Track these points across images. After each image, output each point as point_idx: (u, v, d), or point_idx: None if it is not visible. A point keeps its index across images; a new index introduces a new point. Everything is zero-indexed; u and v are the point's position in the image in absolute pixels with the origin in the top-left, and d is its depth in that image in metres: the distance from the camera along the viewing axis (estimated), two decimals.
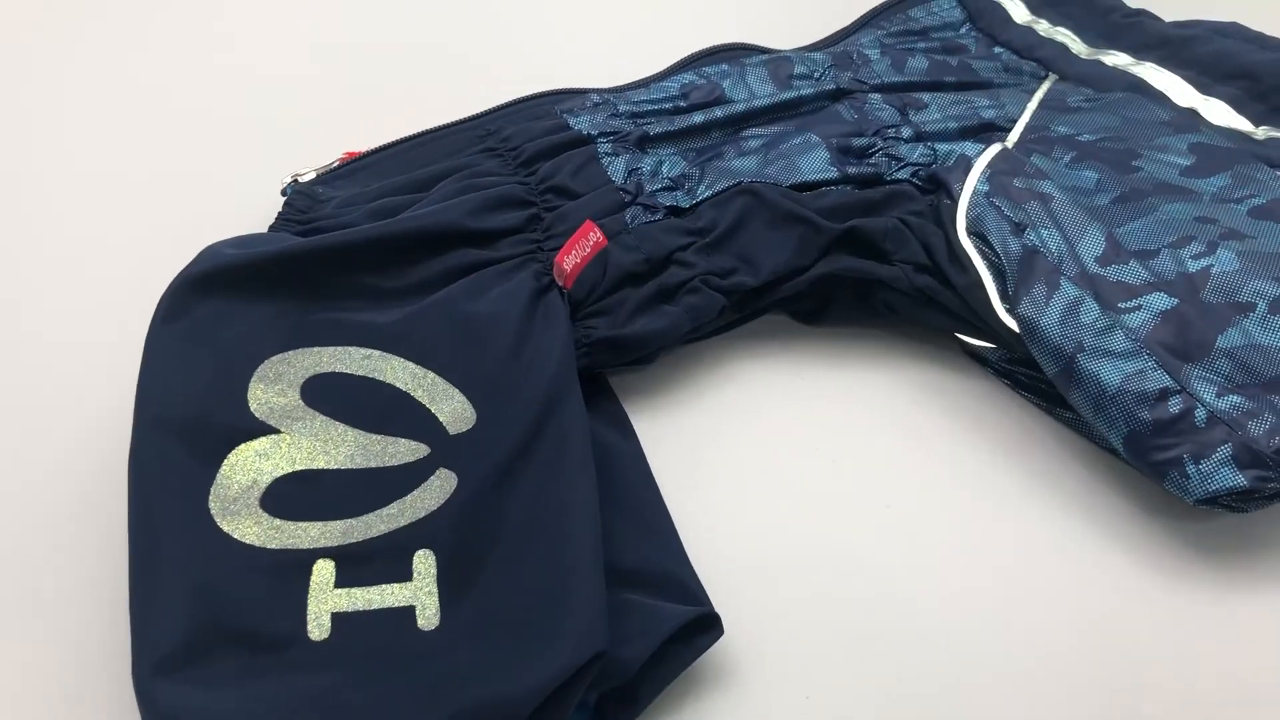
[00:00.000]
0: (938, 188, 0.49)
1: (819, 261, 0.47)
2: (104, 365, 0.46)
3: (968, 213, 0.47)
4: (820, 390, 0.47)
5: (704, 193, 0.48)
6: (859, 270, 0.47)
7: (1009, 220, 0.46)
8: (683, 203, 0.48)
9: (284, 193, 0.51)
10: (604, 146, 0.50)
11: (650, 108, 0.53)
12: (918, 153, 0.50)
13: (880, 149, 0.51)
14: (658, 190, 0.48)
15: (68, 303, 0.50)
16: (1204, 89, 0.56)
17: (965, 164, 0.49)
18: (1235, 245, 0.45)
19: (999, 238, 0.46)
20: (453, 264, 0.45)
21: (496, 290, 0.44)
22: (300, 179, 0.52)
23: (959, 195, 0.48)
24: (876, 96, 0.54)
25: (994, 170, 0.48)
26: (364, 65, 0.63)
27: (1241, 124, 0.54)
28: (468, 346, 0.42)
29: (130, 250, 0.52)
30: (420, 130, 0.53)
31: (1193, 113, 0.55)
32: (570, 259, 0.44)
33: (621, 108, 0.53)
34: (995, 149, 0.50)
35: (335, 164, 0.53)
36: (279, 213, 0.49)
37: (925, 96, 0.54)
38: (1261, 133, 0.54)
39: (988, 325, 0.46)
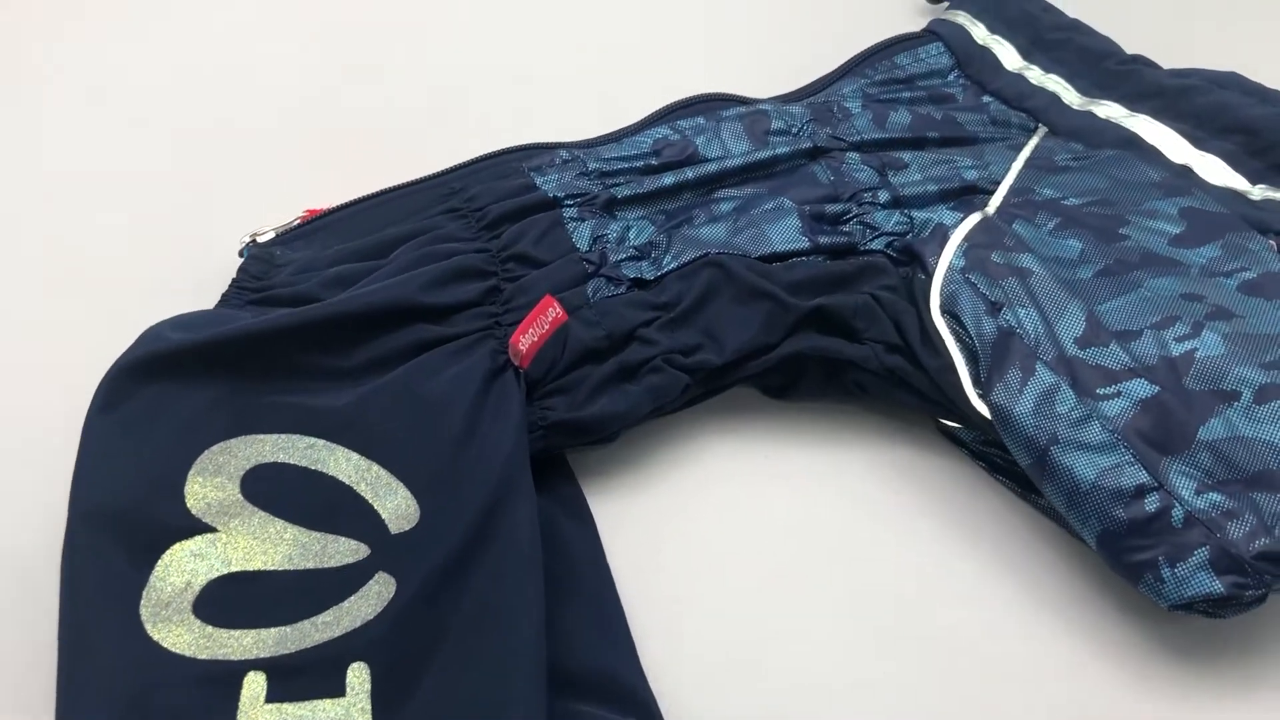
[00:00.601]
0: (912, 260, 0.47)
1: (786, 340, 0.45)
2: (43, 455, 0.43)
3: (942, 290, 0.45)
4: (789, 470, 0.46)
5: (670, 264, 0.47)
6: (827, 350, 0.45)
7: (984, 299, 0.44)
8: (648, 274, 0.46)
9: (241, 253, 0.50)
10: (569, 211, 0.49)
11: (621, 165, 0.51)
12: (894, 220, 0.49)
13: (855, 216, 0.49)
14: (623, 260, 0.47)
15: (5, 386, 0.48)
16: (1199, 143, 0.54)
17: (942, 235, 0.47)
18: (1221, 326, 0.43)
19: (973, 318, 0.44)
20: (406, 341, 0.43)
21: (449, 372, 0.42)
22: (259, 239, 0.50)
23: (934, 270, 0.46)
24: (855, 156, 0.52)
25: (971, 244, 0.47)
26: (329, 117, 0.61)
27: (1237, 182, 0.52)
28: (416, 435, 0.40)
29: (77, 321, 0.50)
30: (384, 188, 0.52)
31: (1186, 170, 0.53)
32: (527, 338, 0.43)
33: (591, 165, 0.51)
34: (974, 219, 0.48)
35: (296, 222, 0.51)
36: (233, 279, 0.47)
37: (906, 155, 0.52)
38: (1258, 192, 0.52)
39: (960, 409, 0.44)
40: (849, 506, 0.45)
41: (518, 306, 0.45)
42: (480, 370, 0.43)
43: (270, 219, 0.51)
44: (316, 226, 0.51)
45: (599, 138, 0.54)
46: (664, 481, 0.45)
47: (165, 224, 0.55)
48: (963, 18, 0.61)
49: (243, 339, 0.41)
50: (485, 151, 0.53)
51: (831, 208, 0.49)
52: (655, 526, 0.44)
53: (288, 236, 0.50)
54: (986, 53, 0.59)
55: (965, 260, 0.46)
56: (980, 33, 0.60)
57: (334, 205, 0.51)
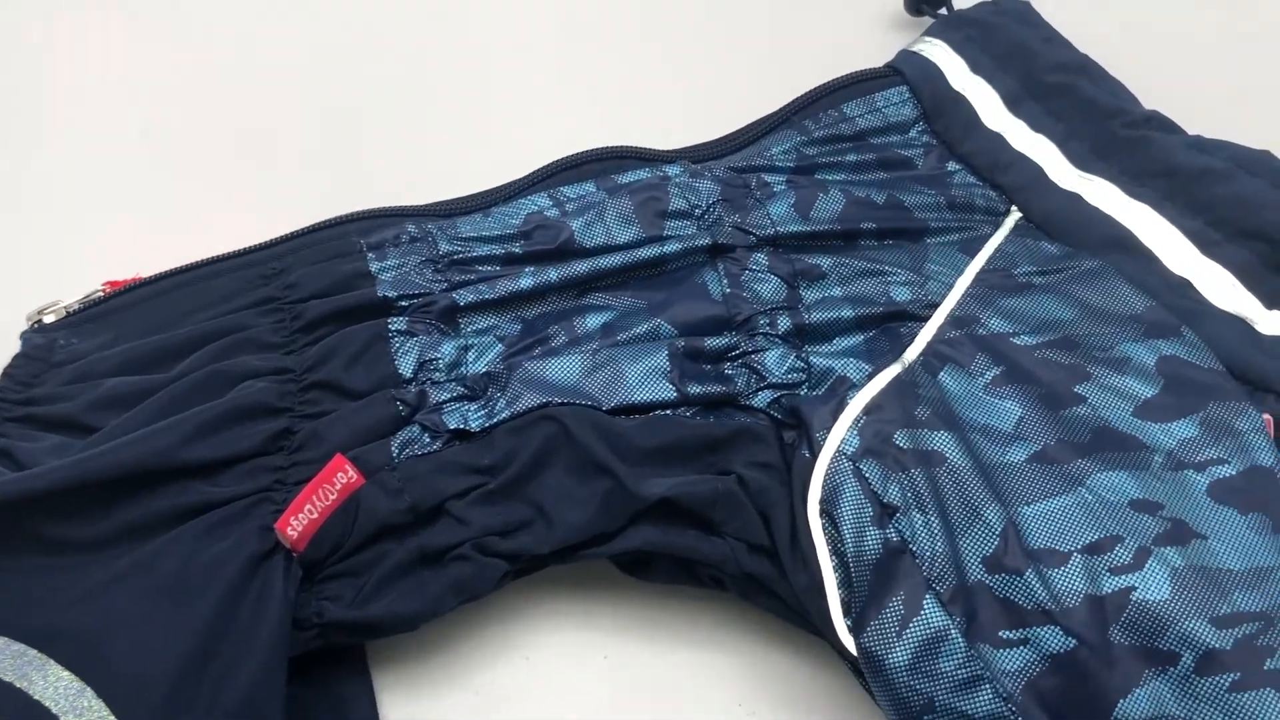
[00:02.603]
0: (799, 426, 0.38)
1: (627, 529, 0.37)
2: None
3: (825, 481, 0.36)
4: (637, 669, 0.38)
5: (502, 411, 0.38)
6: (675, 548, 0.37)
7: (874, 499, 0.35)
8: (474, 423, 0.38)
9: (22, 336, 0.42)
10: (397, 323, 0.40)
11: (479, 250, 0.42)
12: (787, 366, 0.39)
13: (741, 354, 0.39)
14: (447, 401, 0.38)
15: None
16: (1209, 248, 0.43)
17: (839, 399, 0.38)
18: (1173, 556, 0.34)
19: (854, 527, 0.35)
20: (165, 506, 0.36)
21: (205, 554, 0.35)
22: (45, 316, 0.42)
23: (819, 449, 0.37)
24: (762, 258, 0.42)
25: (873, 415, 0.37)
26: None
27: (1247, 306, 0.42)
28: (148, 645, 0.33)
29: None
30: (195, 261, 0.43)
31: (1184, 286, 0.43)
32: (300, 520, 0.35)
33: (442, 247, 0.42)
34: (885, 377, 0.38)
35: (97, 293, 0.43)
36: None
37: (825, 262, 0.42)
38: (1270, 322, 0.41)
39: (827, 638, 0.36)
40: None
41: (306, 461, 0.37)
42: (243, 554, 0.35)
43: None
44: (112, 308, 0.43)
45: (466, 201, 0.45)
46: (480, 676, 0.38)
47: None
48: (939, 50, 0.50)
49: None
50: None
51: (713, 342, 0.39)
52: None
53: (77, 319, 0.42)
54: (961, 102, 0.48)
55: (860, 440, 0.36)
56: (958, 72, 0.49)
57: (136, 280, 0.43)
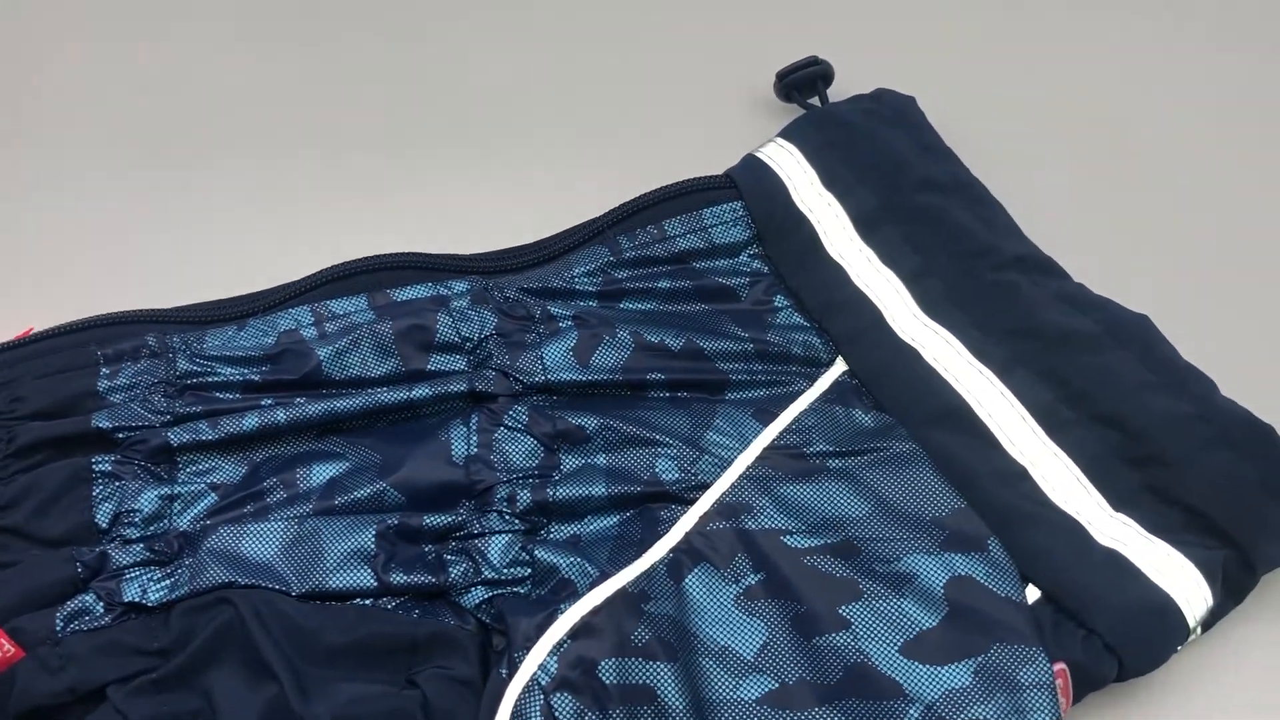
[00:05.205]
0: (504, 636, 0.33)
1: None
2: None
3: (514, 713, 0.31)
4: None
5: (183, 587, 0.34)
6: None
7: None
8: (154, 596, 0.34)
9: None
10: (102, 464, 0.36)
11: (219, 375, 0.38)
12: (510, 557, 0.34)
13: (464, 536, 0.35)
14: (129, 567, 0.34)
15: None
16: (1057, 429, 0.38)
17: (550, 610, 0.33)
18: None
19: None
20: None
21: None
22: None
23: (517, 666, 0.32)
24: (524, 413, 0.37)
25: (579, 640, 0.32)
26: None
27: (1089, 505, 0.36)
28: None
29: None
30: None
31: (1021, 476, 0.37)
32: None
33: (180, 366, 0.38)
34: (606, 590, 0.33)
35: None
36: None
37: (592, 424, 0.37)
38: (1110, 527, 0.36)
39: None
40: None
41: None
42: None
43: None
44: None
45: (231, 302, 0.41)
46: None
47: None
48: (789, 157, 0.43)
49: None
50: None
51: (433, 520, 0.35)
52: None
53: None
54: (803, 224, 0.42)
55: (559, 666, 0.32)
56: (807, 186, 0.42)
57: None
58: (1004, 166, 0.44)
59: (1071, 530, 0.36)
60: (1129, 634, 0.34)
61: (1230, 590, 0.36)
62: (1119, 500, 0.36)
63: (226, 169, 0.48)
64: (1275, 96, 0.52)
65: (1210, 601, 0.35)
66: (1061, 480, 0.37)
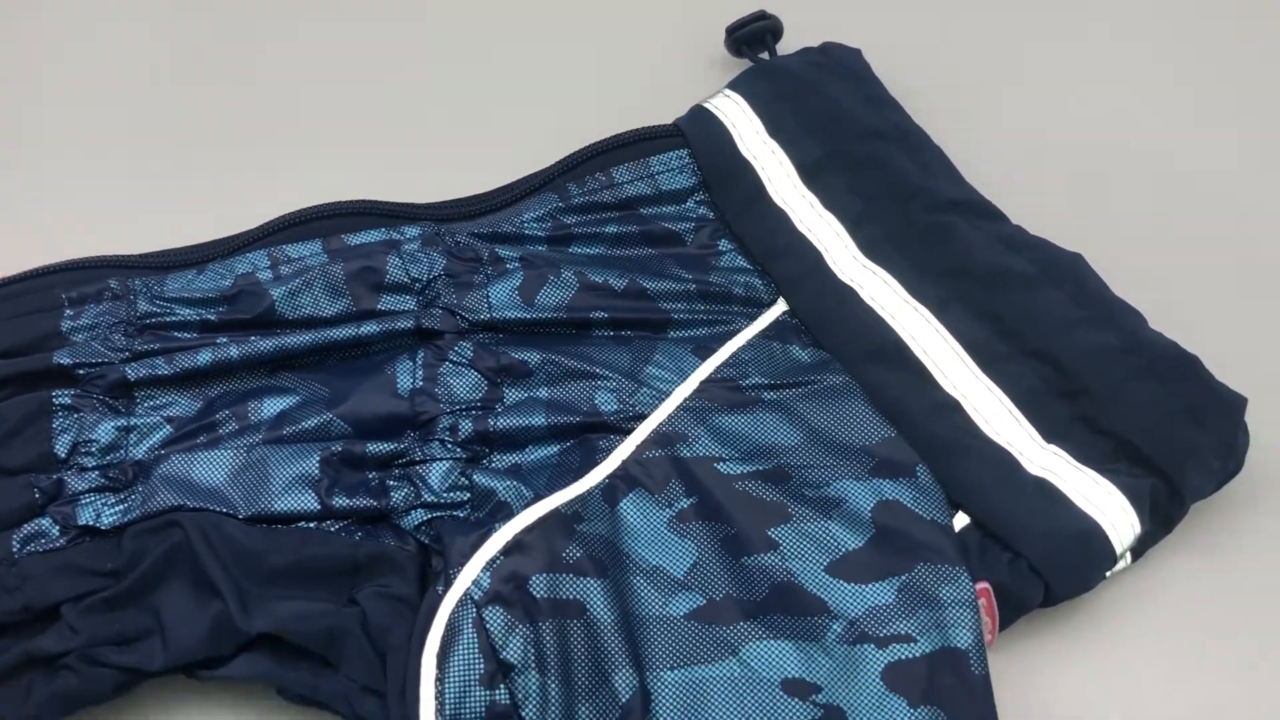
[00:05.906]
0: (442, 556, 0.34)
1: (239, 655, 0.34)
2: None
3: (446, 626, 0.33)
4: None
5: (135, 510, 0.35)
6: (288, 682, 0.34)
7: (491, 654, 0.32)
8: (106, 520, 0.35)
9: None
10: (62, 398, 0.37)
11: (177, 315, 0.39)
12: (449, 482, 0.36)
13: (405, 463, 0.36)
14: (84, 493, 0.36)
15: None
16: (991, 363, 0.39)
17: (484, 530, 0.34)
18: None
19: (459, 685, 0.31)
20: None
21: None
22: None
23: (452, 582, 0.33)
24: (468, 348, 0.38)
25: (511, 556, 0.33)
26: None
27: (1021, 436, 0.37)
28: None
29: None
30: None
31: (953, 407, 0.38)
32: None
33: (140, 307, 0.40)
34: (539, 510, 0.34)
35: None
36: None
37: (534, 358, 0.38)
38: (1042, 457, 0.36)
39: None
40: None
41: None
42: None
43: None
44: None
45: (190, 249, 0.42)
46: None
47: None
48: (735, 107, 0.44)
49: None
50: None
51: (376, 448, 0.36)
52: None
53: None
54: (748, 171, 0.43)
55: (491, 581, 0.33)
56: (753, 135, 0.43)
57: None
58: (947, 117, 0.45)
59: (1002, 460, 0.37)
60: (1056, 558, 0.35)
61: (1159, 519, 0.37)
62: (1050, 432, 0.37)
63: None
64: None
65: (1138, 529, 0.36)
66: (993, 412, 0.37)
